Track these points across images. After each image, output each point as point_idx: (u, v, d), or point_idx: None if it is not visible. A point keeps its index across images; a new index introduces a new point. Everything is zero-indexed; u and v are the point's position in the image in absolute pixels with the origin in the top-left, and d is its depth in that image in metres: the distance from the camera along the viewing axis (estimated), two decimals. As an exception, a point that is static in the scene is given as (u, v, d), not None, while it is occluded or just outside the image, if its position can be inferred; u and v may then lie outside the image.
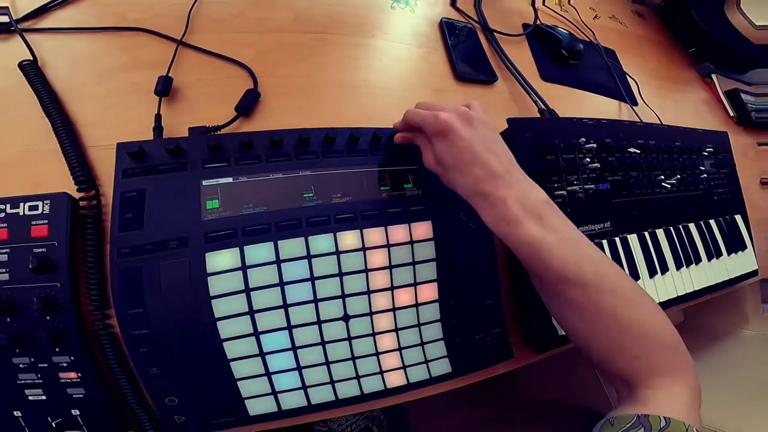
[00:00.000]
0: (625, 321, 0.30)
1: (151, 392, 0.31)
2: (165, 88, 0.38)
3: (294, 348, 0.33)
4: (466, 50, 0.56)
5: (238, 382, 0.32)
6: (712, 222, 0.58)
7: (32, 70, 0.37)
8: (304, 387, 0.34)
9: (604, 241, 0.47)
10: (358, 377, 0.35)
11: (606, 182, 0.48)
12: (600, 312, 0.30)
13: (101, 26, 0.42)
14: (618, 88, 0.66)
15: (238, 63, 0.43)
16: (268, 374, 0.33)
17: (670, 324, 0.32)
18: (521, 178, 0.32)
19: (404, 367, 0.36)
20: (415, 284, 0.36)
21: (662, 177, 0.53)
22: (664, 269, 0.50)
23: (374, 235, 0.35)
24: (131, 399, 0.31)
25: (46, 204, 0.30)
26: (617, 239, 0.48)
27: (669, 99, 0.74)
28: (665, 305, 0.49)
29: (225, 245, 0.32)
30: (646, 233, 0.51)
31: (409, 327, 0.36)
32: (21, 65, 0.37)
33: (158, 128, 0.36)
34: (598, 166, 0.46)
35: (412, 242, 0.36)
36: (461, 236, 0.38)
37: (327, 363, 0.34)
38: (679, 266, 0.52)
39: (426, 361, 0.37)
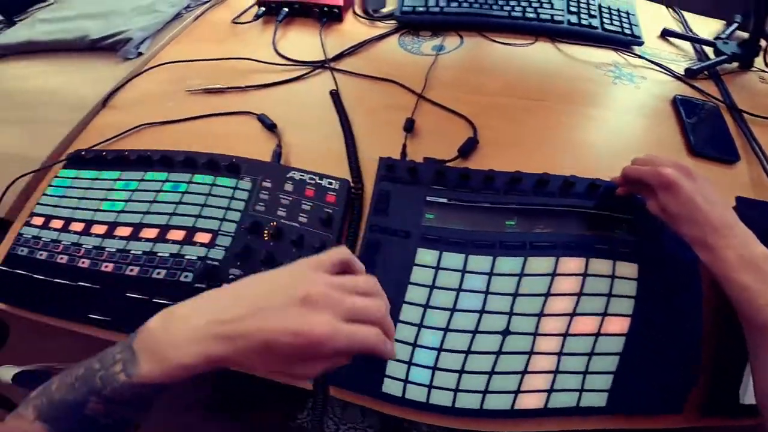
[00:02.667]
0: None
1: None
2: (410, 126, 0.55)
3: (439, 349, 0.38)
4: (705, 127, 0.57)
5: (389, 361, 0.38)
6: None
7: (336, 97, 0.58)
8: (430, 386, 0.37)
9: None
10: (485, 392, 0.37)
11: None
12: None
13: (369, 74, 0.63)
14: None
15: (462, 116, 0.56)
16: (409, 363, 0.38)
17: None
18: (742, 232, 0.35)
19: (549, 391, 0.37)
20: (603, 314, 0.39)
21: None
22: None
23: (571, 263, 0.39)
24: None
25: (336, 183, 0.48)
26: None
27: None
28: None
29: (431, 246, 0.43)
30: None
31: (577, 354, 0.38)
32: (331, 92, 0.59)
33: (404, 153, 0.52)
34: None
35: (613, 277, 0.40)
36: (670, 285, 0.41)
37: (461, 371, 0.37)
38: None
39: (580, 390, 0.38)
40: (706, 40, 0.72)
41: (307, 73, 0.63)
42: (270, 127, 0.56)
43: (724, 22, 0.78)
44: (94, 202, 0.51)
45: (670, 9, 0.82)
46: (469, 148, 0.52)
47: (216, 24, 0.78)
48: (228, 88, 0.63)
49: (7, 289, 0.46)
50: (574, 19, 0.70)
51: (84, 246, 0.48)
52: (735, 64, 0.68)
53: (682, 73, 0.66)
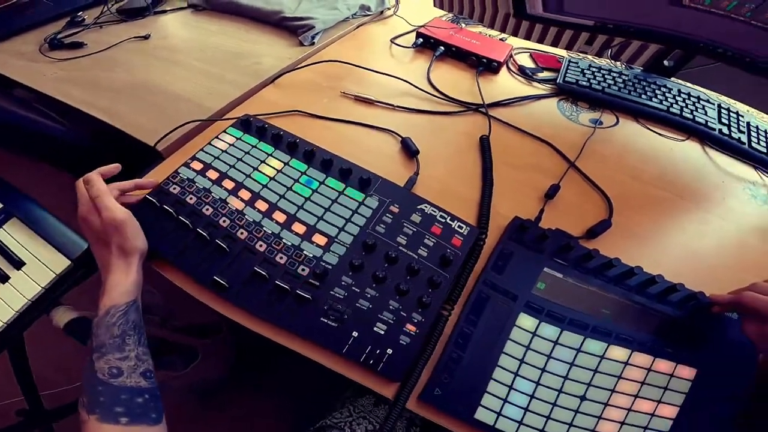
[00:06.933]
0: None
1: (440, 366, 0.43)
2: (553, 193, 0.55)
3: (531, 396, 0.43)
4: None
5: (485, 393, 0.42)
6: None
7: (486, 144, 0.60)
8: (520, 423, 0.42)
9: None
10: None
11: None
12: None
13: (523, 129, 0.64)
14: None
15: (605, 195, 0.56)
16: (504, 400, 0.42)
17: None
18: None
19: None
20: (659, 401, 0.43)
21: None
22: None
23: (640, 358, 0.44)
24: (421, 362, 0.42)
25: (466, 229, 0.50)
26: None
27: None
28: None
29: (532, 314, 0.45)
30: None
31: (635, 426, 0.43)
32: (481, 137, 0.61)
33: (539, 219, 0.53)
34: None
35: (672, 376, 0.44)
36: (719, 392, 0.44)
37: (547, 417, 0.42)
38: None
39: None
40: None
41: (459, 111, 0.66)
42: (413, 153, 0.59)
43: None
44: (248, 168, 0.55)
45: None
46: (599, 229, 0.53)
47: (375, 37, 0.84)
48: (379, 102, 0.67)
49: (146, 222, 0.46)
50: (724, 129, 0.70)
51: (229, 205, 0.51)
52: None
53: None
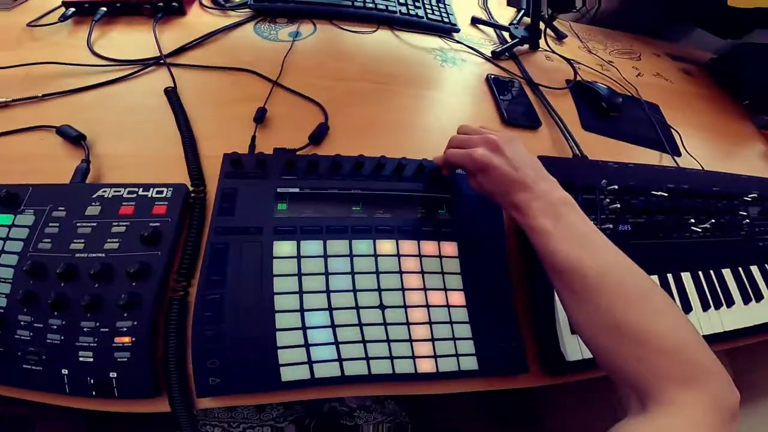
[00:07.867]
0: (624, 320, 0.31)
1: (197, 353, 0.36)
2: (261, 117, 0.52)
3: (333, 326, 0.38)
4: (513, 100, 0.67)
5: (279, 350, 0.37)
6: (754, 268, 0.57)
7: (173, 95, 0.52)
8: (340, 359, 0.37)
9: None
10: (391, 357, 0.39)
11: (627, 223, 0.52)
12: (598, 308, 0.32)
13: (221, 66, 0.58)
14: (660, 139, 0.69)
15: (315, 102, 0.56)
16: (306, 346, 0.37)
17: (690, 330, 0.31)
18: (545, 183, 0.38)
19: (435, 357, 0.40)
20: (445, 289, 0.42)
21: (692, 221, 0.54)
22: (687, 309, 0.51)
23: (407, 245, 0.43)
24: (172, 363, 0.36)
25: (170, 190, 0.42)
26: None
27: (719, 151, 0.75)
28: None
29: (287, 238, 0.42)
30: (670, 275, 0.52)
31: (442, 323, 0.41)
32: (165, 90, 0.53)
33: (252, 146, 0.49)
34: (618, 206, 0.51)
35: (440, 256, 0.44)
36: (483, 258, 0.45)
37: (363, 342, 0.38)
38: (706, 308, 0.52)
39: (457, 355, 0.40)
40: (503, 26, 0.84)
41: (133, 73, 0.55)
42: (75, 139, 0.47)
43: (515, 9, 0.91)
44: None
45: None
46: (320, 133, 0.52)
47: (6, 29, 0.63)
48: (13, 101, 0.50)
49: None
50: (404, 9, 0.76)
51: None
52: (526, 46, 0.80)
53: (490, 55, 0.75)
